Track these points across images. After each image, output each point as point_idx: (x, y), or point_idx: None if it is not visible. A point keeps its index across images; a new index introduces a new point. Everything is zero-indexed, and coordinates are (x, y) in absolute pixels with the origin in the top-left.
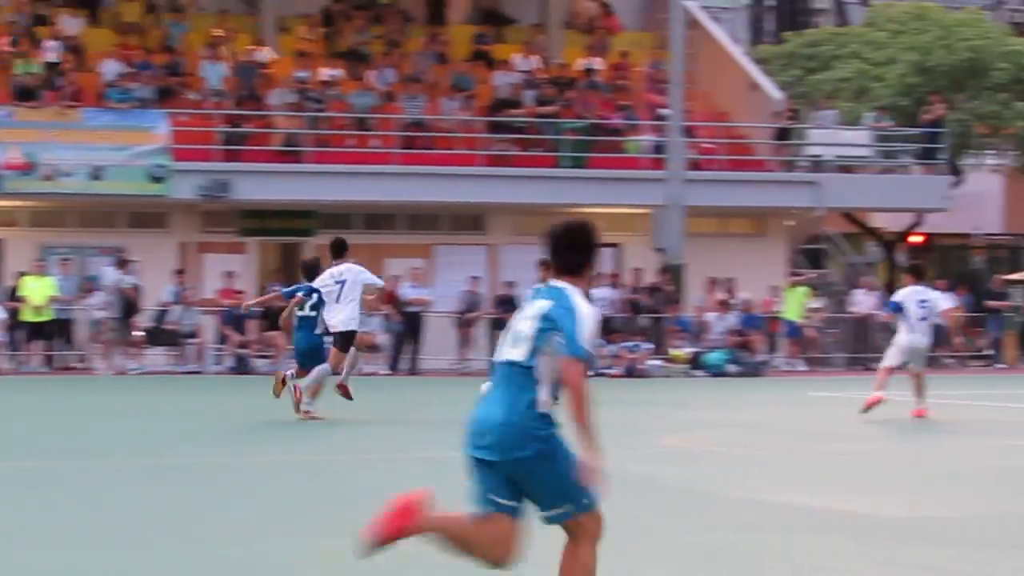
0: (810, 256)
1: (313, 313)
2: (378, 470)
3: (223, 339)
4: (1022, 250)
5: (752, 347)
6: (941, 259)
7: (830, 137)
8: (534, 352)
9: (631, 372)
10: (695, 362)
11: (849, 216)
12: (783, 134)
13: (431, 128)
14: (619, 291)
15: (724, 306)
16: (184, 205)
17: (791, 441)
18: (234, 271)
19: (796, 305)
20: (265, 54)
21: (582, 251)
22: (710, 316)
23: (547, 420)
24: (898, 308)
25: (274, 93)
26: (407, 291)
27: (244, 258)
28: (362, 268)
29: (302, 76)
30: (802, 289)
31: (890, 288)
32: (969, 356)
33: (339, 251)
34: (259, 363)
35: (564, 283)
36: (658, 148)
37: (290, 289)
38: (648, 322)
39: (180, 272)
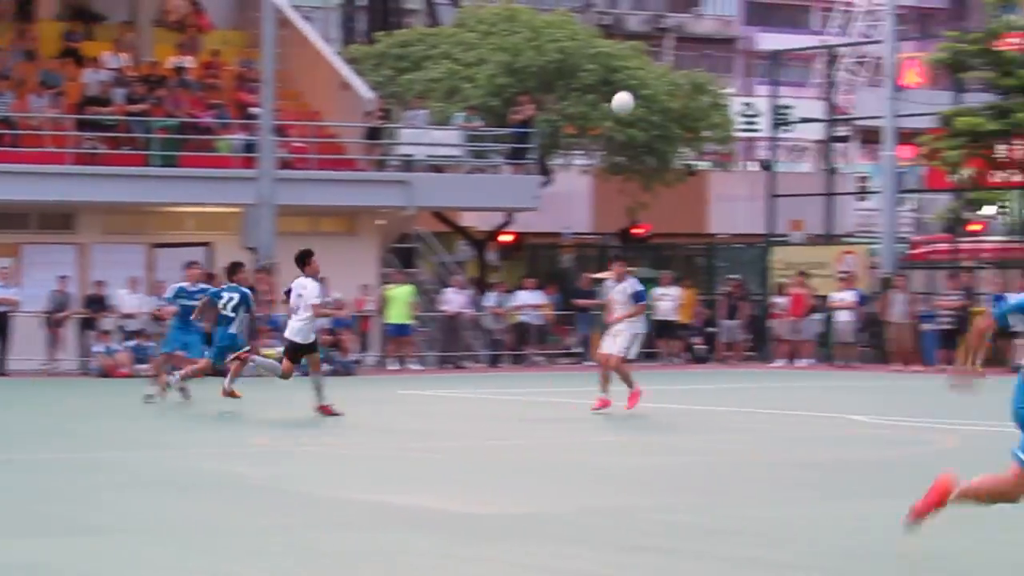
0: (401, 255)
1: (233, 314)
2: None
3: None
4: (609, 249)
5: (344, 346)
6: (531, 258)
7: (421, 137)
8: None
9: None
10: None
11: (440, 215)
12: (374, 134)
13: (19, 125)
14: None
15: None
16: None
17: (381, 439)
18: None
19: (401, 305)
20: None
21: None
22: None
23: None
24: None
25: None
26: None
27: None
28: (313, 284)
29: None
30: (407, 288)
31: (479, 286)
32: (558, 354)
33: (300, 263)
34: None
35: None
36: (249, 147)
37: (216, 290)
38: None
39: None
